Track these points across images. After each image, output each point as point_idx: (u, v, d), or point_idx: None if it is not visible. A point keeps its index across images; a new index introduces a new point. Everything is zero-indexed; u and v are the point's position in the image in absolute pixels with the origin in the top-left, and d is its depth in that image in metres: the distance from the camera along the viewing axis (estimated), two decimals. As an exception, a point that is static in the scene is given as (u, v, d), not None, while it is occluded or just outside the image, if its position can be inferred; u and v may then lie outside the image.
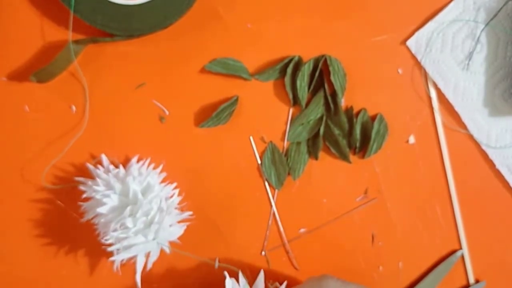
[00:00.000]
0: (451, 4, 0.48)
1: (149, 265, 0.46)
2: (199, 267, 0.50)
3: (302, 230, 0.50)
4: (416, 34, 0.48)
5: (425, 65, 0.48)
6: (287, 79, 0.48)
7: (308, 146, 0.50)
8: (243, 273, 0.50)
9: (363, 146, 0.49)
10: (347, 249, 0.50)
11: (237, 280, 0.45)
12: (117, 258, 0.45)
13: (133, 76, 0.49)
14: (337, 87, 0.48)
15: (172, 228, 0.46)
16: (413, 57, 0.49)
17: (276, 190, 0.50)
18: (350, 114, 0.49)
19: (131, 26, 0.46)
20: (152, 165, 0.49)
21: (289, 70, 0.48)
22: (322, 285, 0.41)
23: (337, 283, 0.42)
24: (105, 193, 0.45)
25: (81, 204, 0.47)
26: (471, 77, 0.48)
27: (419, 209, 0.50)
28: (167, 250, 0.47)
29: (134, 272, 0.46)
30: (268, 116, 0.49)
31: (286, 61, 0.48)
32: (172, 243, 0.48)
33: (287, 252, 0.50)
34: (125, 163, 0.49)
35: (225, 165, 0.50)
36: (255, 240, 0.50)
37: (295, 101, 0.49)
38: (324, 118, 0.49)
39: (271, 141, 0.50)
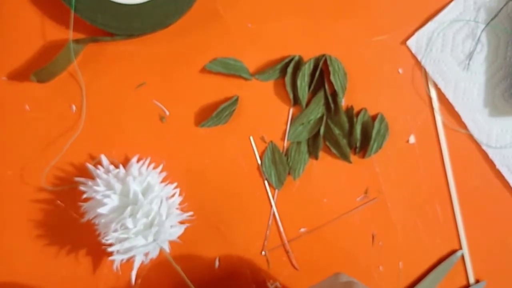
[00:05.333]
0: (452, 4, 0.48)
1: (146, 261, 0.46)
2: (199, 267, 0.50)
3: (302, 230, 0.50)
4: (417, 34, 0.48)
5: (426, 65, 0.48)
6: (288, 78, 0.48)
7: (308, 145, 0.50)
8: (244, 273, 0.50)
9: (363, 146, 0.49)
10: (347, 249, 0.50)
11: None
12: (117, 258, 0.45)
13: (133, 75, 0.49)
14: (337, 86, 0.48)
15: (172, 229, 0.46)
16: (414, 57, 0.49)
17: (276, 190, 0.50)
18: (351, 114, 0.49)
19: (132, 25, 0.46)
20: (152, 165, 0.49)
21: (290, 69, 0.48)
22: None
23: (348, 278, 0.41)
24: (105, 193, 0.45)
25: (81, 204, 0.47)
26: (471, 77, 0.48)
27: (419, 209, 0.50)
28: (167, 250, 0.47)
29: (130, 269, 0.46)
30: (268, 116, 0.49)
31: (286, 60, 0.48)
32: (172, 243, 0.48)
33: (287, 252, 0.50)
34: (125, 163, 0.49)
35: (225, 165, 0.50)
36: (255, 240, 0.50)
37: (296, 100, 0.49)
38: (325, 117, 0.49)
39: (271, 141, 0.50)
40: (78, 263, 0.50)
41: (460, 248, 0.50)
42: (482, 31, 0.47)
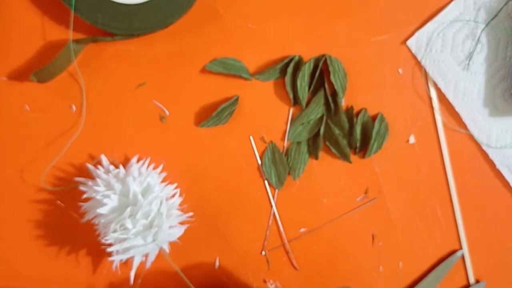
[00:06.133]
0: (452, 4, 0.48)
1: (148, 265, 0.46)
2: (199, 267, 0.50)
3: (302, 230, 0.50)
4: (417, 34, 0.48)
5: (426, 65, 0.48)
6: (288, 78, 0.48)
7: (308, 146, 0.50)
8: (244, 273, 0.50)
9: (363, 146, 0.49)
10: (347, 249, 0.50)
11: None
12: (116, 258, 0.45)
13: (133, 75, 0.49)
14: (337, 86, 0.48)
15: (172, 230, 0.46)
16: (414, 57, 0.49)
17: (276, 190, 0.50)
18: (351, 114, 0.49)
19: (132, 25, 0.46)
20: (152, 165, 0.49)
21: (290, 69, 0.48)
22: None
23: None
24: (105, 194, 0.45)
25: (81, 204, 0.47)
26: (471, 77, 0.48)
27: (419, 209, 0.50)
28: (166, 251, 0.47)
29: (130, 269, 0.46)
30: (268, 116, 0.49)
31: (286, 60, 0.48)
32: (172, 243, 0.48)
33: (287, 252, 0.50)
34: (125, 163, 0.49)
35: (225, 165, 0.50)
36: (255, 240, 0.50)
37: (296, 100, 0.49)
38: (325, 118, 0.49)
39: (271, 141, 0.50)
40: (78, 263, 0.50)
41: (460, 248, 0.50)
42: (482, 31, 0.47)
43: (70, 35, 0.47)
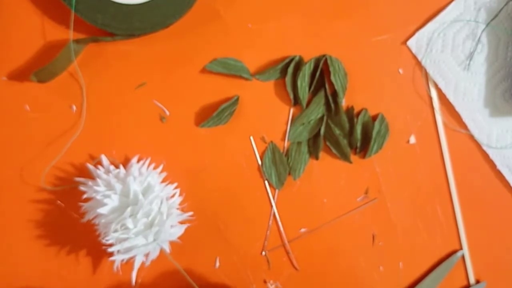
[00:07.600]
0: (452, 4, 0.48)
1: (147, 263, 0.46)
2: (199, 267, 0.50)
3: (302, 230, 0.50)
4: (417, 34, 0.48)
5: (426, 65, 0.48)
6: (288, 79, 0.48)
7: (308, 146, 0.49)
8: (244, 273, 0.50)
9: (363, 146, 0.49)
10: (347, 249, 0.50)
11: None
12: (117, 258, 0.45)
13: (133, 75, 0.49)
14: (337, 87, 0.48)
15: (172, 229, 0.46)
16: (414, 57, 0.49)
17: (277, 190, 0.50)
18: (351, 114, 0.49)
19: (132, 25, 0.46)
20: (153, 165, 0.49)
21: (290, 70, 0.48)
22: None
23: None
24: (105, 194, 0.45)
25: (82, 204, 0.47)
26: (471, 77, 0.48)
27: (419, 209, 0.50)
28: (167, 251, 0.47)
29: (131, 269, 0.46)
30: (268, 116, 0.49)
31: (286, 61, 0.48)
32: (172, 243, 0.48)
33: (287, 252, 0.50)
34: (125, 163, 0.49)
35: (226, 165, 0.50)
36: (255, 240, 0.50)
37: (296, 101, 0.49)
38: (325, 118, 0.49)
39: (271, 141, 0.50)
40: (78, 263, 0.50)
41: (461, 248, 0.50)
42: (483, 31, 0.47)
43: (70, 35, 0.47)
